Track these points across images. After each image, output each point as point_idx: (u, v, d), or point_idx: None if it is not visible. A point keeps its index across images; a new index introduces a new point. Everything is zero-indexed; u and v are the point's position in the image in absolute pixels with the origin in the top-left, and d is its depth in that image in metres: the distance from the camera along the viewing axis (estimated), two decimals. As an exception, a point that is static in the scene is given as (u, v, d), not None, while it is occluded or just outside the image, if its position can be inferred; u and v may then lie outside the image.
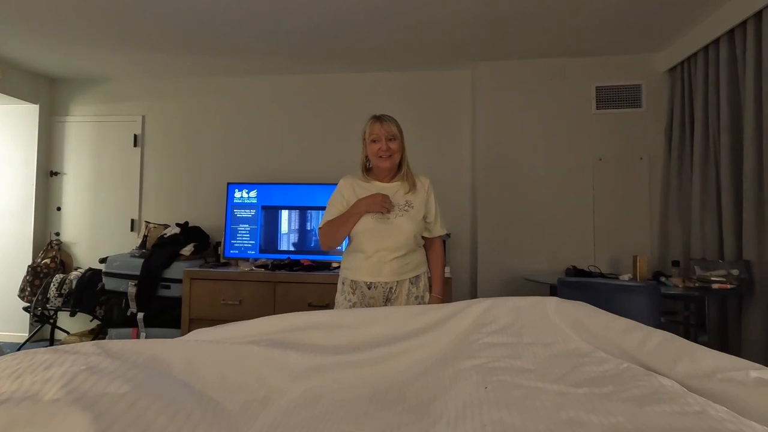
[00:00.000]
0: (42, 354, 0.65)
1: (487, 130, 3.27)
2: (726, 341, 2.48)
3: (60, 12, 2.61)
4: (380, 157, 1.67)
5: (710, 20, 2.56)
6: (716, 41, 2.56)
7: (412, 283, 1.73)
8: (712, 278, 2.33)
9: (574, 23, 2.68)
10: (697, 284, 2.37)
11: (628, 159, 3.12)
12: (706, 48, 2.66)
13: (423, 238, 1.81)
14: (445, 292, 1.81)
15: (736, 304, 2.43)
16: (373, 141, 1.68)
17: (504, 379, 0.92)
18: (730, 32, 2.45)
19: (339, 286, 1.79)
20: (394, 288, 1.70)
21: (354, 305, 1.71)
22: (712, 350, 1.00)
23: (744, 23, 2.33)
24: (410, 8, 2.52)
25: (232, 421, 0.70)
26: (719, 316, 2.54)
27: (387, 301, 1.71)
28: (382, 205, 1.64)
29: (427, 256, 1.86)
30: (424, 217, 1.75)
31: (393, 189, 1.72)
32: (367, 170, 1.78)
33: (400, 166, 1.74)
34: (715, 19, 2.53)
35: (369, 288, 1.70)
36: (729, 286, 2.27)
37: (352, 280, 1.73)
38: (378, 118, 1.70)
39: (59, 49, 3.19)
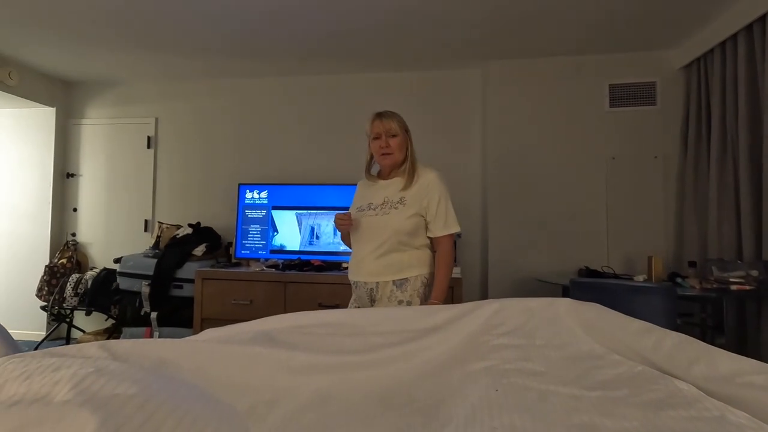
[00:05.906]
0: (49, 357, 0.66)
1: (498, 130, 3.24)
2: (744, 344, 2.42)
3: (75, 16, 2.66)
4: (381, 155, 1.65)
5: (727, 15, 2.50)
6: (734, 37, 2.50)
7: (396, 286, 1.60)
8: (731, 279, 2.28)
9: (586, 20, 2.64)
10: (714, 285, 2.32)
11: (642, 158, 3.07)
12: (723, 44, 2.59)
13: (429, 238, 1.73)
14: (446, 296, 1.61)
15: (755, 306, 2.37)
16: (375, 138, 1.65)
17: (515, 381, 0.91)
18: (749, 27, 2.39)
19: None
20: (375, 289, 1.62)
21: (353, 302, 1.73)
22: (731, 353, 0.97)
23: (763, 18, 2.27)
24: (422, 9, 2.50)
25: (241, 422, 0.70)
26: (737, 318, 2.48)
27: (372, 302, 1.63)
28: (341, 225, 1.66)
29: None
30: (423, 214, 1.63)
31: (389, 185, 1.68)
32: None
33: (405, 161, 1.68)
34: (732, 13, 2.46)
35: (355, 287, 1.69)
36: (748, 288, 2.21)
37: (350, 279, 1.74)
38: (379, 115, 1.66)
39: (75, 52, 3.25)
